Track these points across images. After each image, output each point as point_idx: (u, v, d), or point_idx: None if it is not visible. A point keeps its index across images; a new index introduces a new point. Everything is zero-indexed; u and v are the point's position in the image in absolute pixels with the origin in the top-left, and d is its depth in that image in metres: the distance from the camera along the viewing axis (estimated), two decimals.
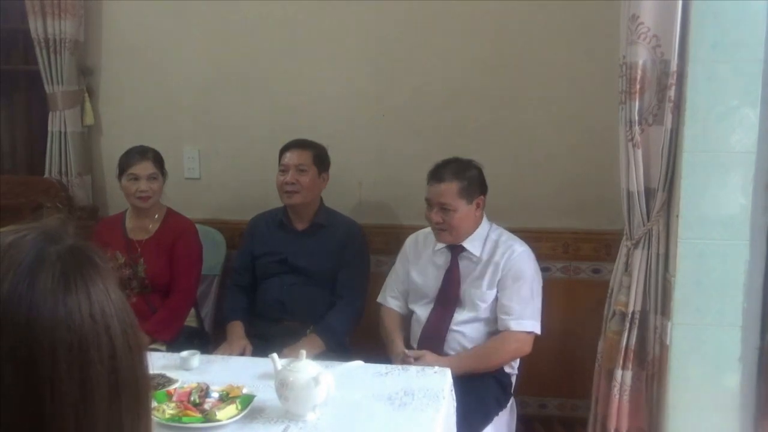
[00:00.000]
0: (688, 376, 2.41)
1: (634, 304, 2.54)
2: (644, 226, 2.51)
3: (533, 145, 3.26)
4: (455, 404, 2.25)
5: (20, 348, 0.64)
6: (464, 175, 2.68)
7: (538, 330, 2.68)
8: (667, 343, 2.43)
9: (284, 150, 3.04)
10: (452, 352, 2.69)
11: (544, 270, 2.89)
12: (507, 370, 2.77)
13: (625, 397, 2.58)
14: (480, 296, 2.70)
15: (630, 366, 2.57)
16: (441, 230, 2.71)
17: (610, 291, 2.67)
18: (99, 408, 0.68)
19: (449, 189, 2.66)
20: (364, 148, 3.37)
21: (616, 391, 2.58)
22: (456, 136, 3.25)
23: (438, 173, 2.69)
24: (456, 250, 2.76)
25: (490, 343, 2.69)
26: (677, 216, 2.37)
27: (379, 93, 3.34)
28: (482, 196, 2.73)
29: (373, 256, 3.15)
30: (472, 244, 2.74)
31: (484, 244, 2.74)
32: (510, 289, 2.67)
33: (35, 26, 3.36)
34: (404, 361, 2.57)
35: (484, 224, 2.77)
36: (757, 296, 2.36)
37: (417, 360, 2.58)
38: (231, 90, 3.45)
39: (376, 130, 3.36)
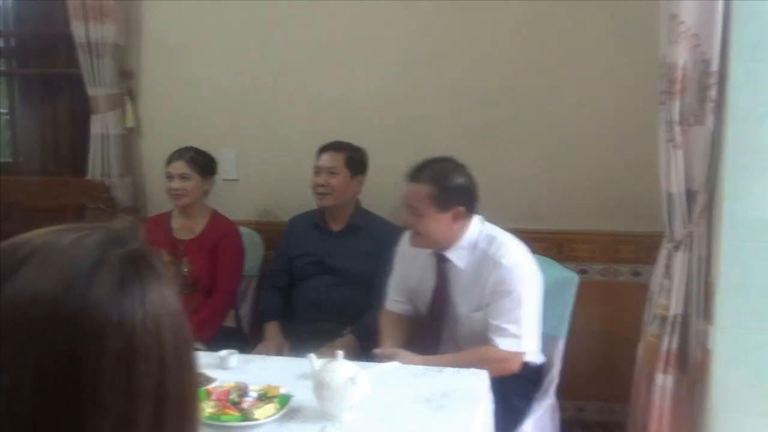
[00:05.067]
0: (731, 381, 2.37)
1: (674, 307, 2.51)
2: (685, 228, 2.47)
3: (570, 146, 3.23)
4: (492, 406, 2.24)
5: (66, 350, 0.62)
6: (443, 182, 2.45)
7: (523, 349, 2.44)
8: (709, 347, 2.39)
9: (320, 152, 3.07)
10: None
11: (581, 273, 2.85)
12: (531, 361, 2.55)
13: (666, 403, 2.54)
14: (467, 312, 2.54)
15: (671, 371, 2.53)
16: (413, 234, 2.53)
17: (650, 294, 2.63)
18: (142, 423, 0.66)
19: (420, 192, 2.45)
20: (400, 148, 3.37)
21: (656, 396, 2.54)
22: (491, 137, 3.24)
23: (415, 172, 2.49)
24: (441, 260, 2.57)
25: (476, 354, 2.44)
26: (719, 218, 2.33)
27: (414, 94, 3.34)
28: (462, 208, 2.47)
29: None
30: (456, 254, 2.52)
31: (470, 255, 2.51)
32: (495, 306, 2.44)
33: (78, 30, 3.43)
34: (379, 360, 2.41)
35: (471, 234, 2.52)
36: None
37: (388, 358, 2.37)
38: (268, 91, 3.48)
39: (411, 130, 3.35)
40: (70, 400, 0.62)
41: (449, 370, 2.33)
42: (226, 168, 3.50)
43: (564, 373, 2.80)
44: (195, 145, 3.16)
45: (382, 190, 3.28)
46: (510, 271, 2.44)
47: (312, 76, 3.43)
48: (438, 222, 2.46)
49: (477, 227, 2.54)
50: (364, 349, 2.77)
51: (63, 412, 0.62)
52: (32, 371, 0.62)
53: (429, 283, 2.62)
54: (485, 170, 2.70)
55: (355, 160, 3.07)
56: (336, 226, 3.10)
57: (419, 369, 2.32)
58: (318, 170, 3.04)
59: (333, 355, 2.07)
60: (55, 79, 3.78)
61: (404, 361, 2.34)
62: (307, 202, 3.19)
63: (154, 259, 0.71)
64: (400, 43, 3.33)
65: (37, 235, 0.69)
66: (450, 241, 2.51)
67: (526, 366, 2.56)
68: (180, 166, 3.06)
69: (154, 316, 0.67)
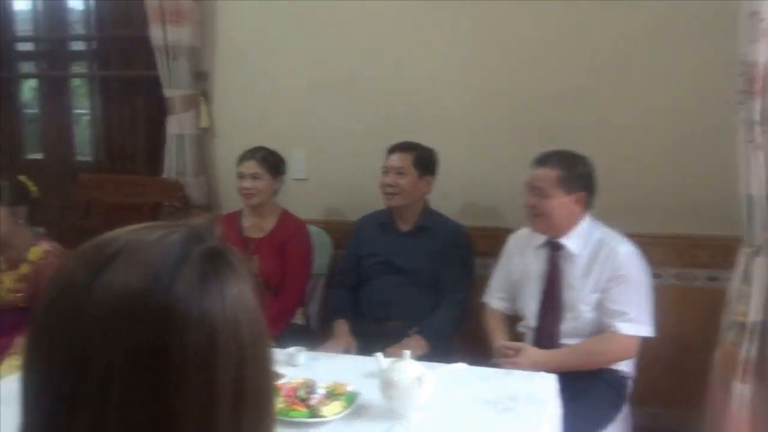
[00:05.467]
0: None
1: (754, 314, 2.42)
2: (765, 232, 2.38)
3: (644, 147, 3.15)
4: (561, 410, 2.20)
5: (152, 343, 0.65)
6: (569, 166, 2.61)
7: (650, 333, 2.54)
8: None
9: (389, 152, 3.09)
10: None
11: (654, 276, 2.78)
12: (622, 370, 2.61)
13: (744, 412, 2.46)
14: (582, 299, 2.59)
15: (749, 379, 2.44)
16: (534, 215, 2.64)
17: (728, 300, 2.55)
18: (221, 414, 0.68)
19: (549, 174, 2.59)
20: (469, 149, 3.36)
21: (734, 405, 2.46)
22: (563, 137, 3.17)
23: (543, 158, 2.64)
24: (555, 248, 2.67)
25: (595, 342, 2.56)
26: None
27: (484, 94, 3.32)
28: (584, 193, 2.62)
29: (477, 258, 3.12)
30: (571, 242, 2.62)
31: (586, 242, 2.62)
32: (616, 291, 2.54)
33: (156, 33, 3.53)
34: (503, 354, 2.54)
35: (587, 222, 2.65)
36: None
37: (517, 352, 2.52)
38: (338, 91, 3.51)
39: (480, 131, 3.33)
40: (156, 392, 0.65)
41: (517, 373, 2.31)
42: (296, 167, 3.54)
43: (637, 379, 2.73)
44: (266, 145, 3.22)
45: (449, 190, 3.28)
46: (628, 257, 2.57)
47: (383, 76, 3.44)
48: (561, 204, 2.59)
49: (588, 217, 2.68)
50: (432, 349, 2.78)
51: (149, 403, 0.65)
52: (122, 363, 0.64)
53: (535, 274, 2.71)
54: None
55: (424, 161, 3.07)
56: (404, 226, 3.11)
57: (487, 371, 2.31)
58: (387, 170, 3.06)
59: (400, 355, 2.07)
60: (134, 81, 3.91)
61: (529, 356, 2.51)
62: (375, 201, 3.21)
63: (233, 255, 0.73)
64: (474, 46, 3.31)
65: (124, 232, 0.71)
66: (568, 226, 2.63)
67: (615, 373, 2.59)
68: (251, 166, 3.12)
69: (233, 312, 0.69)
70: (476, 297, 2.95)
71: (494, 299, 2.86)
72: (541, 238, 2.70)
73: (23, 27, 4.20)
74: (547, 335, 2.64)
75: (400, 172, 3.03)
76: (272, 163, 3.15)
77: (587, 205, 2.64)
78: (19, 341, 2.92)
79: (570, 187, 2.58)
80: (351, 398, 2.05)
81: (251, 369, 0.70)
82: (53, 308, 0.68)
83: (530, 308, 2.71)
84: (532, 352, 2.54)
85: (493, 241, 3.23)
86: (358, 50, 3.45)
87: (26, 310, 3.09)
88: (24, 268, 3.09)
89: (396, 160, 3.05)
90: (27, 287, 3.10)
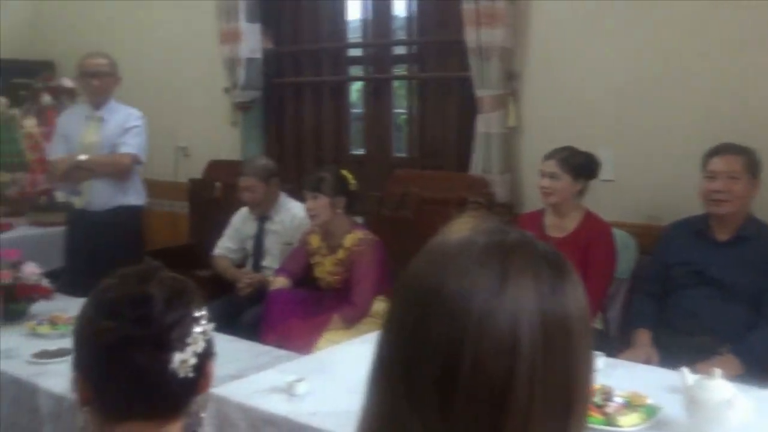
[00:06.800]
0: None
1: None
2: None
3: None
4: None
5: (455, 338, 0.68)
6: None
7: None
8: None
9: (711, 155, 2.85)
10: None
11: None
12: None
13: None
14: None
15: None
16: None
17: None
18: (533, 416, 0.68)
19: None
20: None
21: None
22: None
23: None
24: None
25: None
26: None
27: None
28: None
29: None
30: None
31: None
32: None
33: (470, 36, 3.67)
34: None
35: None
36: None
37: None
38: (649, 91, 3.35)
39: None
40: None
41: None
42: (603, 168, 3.44)
43: None
44: (573, 144, 3.18)
45: None
46: None
47: (700, 75, 3.21)
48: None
49: None
50: (746, 373, 2.53)
51: (428, 397, 0.69)
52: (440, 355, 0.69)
53: None
54: None
55: (753, 164, 2.81)
56: (722, 236, 2.87)
57: None
58: (712, 175, 2.83)
59: (709, 373, 1.93)
60: (448, 82, 4.11)
61: None
62: (687, 207, 3.01)
63: (566, 262, 0.74)
64: None
65: (453, 233, 0.76)
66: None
67: None
68: (551, 165, 3.11)
69: (542, 312, 0.69)
70: None
71: None
72: None
73: (354, 34, 4.64)
74: None
75: (732, 177, 2.79)
76: (573, 164, 3.10)
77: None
78: (335, 319, 3.25)
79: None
80: (651, 411, 1.96)
81: (562, 370, 0.70)
82: (408, 304, 0.73)
83: None
84: None
85: None
86: (669, 48, 3.26)
87: (341, 292, 3.44)
88: (341, 254, 3.44)
89: (725, 164, 2.80)
90: (342, 271, 3.44)
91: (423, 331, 0.69)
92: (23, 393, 2.46)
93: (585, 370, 0.73)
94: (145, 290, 1.10)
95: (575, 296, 0.72)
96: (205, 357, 1.15)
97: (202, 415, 1.20)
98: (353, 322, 3.28)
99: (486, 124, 3.74)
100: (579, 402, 0.72)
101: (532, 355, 0.68)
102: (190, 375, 1.11)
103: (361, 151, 4.62)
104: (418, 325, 0.70)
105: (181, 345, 1.10)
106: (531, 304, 0.69)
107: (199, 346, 1.13)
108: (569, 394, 0.71)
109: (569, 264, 0.74)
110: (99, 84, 3.96)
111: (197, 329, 1.13)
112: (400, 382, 0.70)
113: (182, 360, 1.10)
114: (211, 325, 1.17)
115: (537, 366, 0.68)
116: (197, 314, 1.14)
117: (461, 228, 0.75)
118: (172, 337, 1.10)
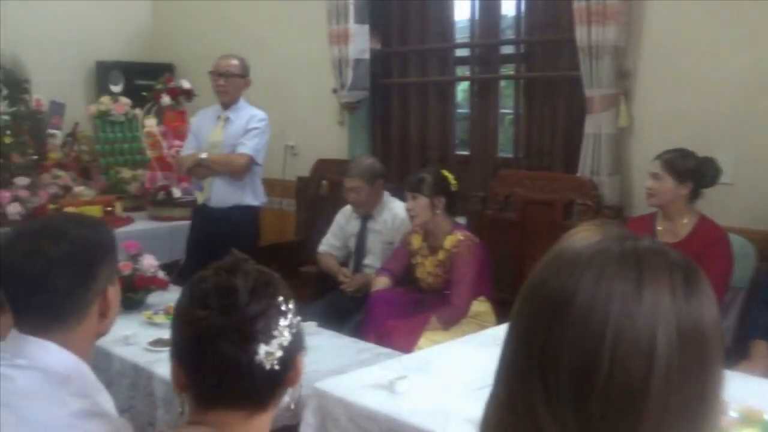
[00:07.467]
0: None
1: None
2: None
3: None
4: None
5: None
6: None
7: None
8: None
9: None
10: None
11: None
12: None
13: None
14: None
15: None
16: None
17: None
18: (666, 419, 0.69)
19: None
20: None
21: None
22: None
23: None
24: None
25: None
26: None
27: None
28: None
29: None
30: None
31: None
32: None
33: (581, 34, 3.59)
34: None
35: None
36: None
37: None
38: None
39: None
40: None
41: None
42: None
43: None
44: (688, 145, 3.05)
45: None
46: None
47: None
48: None
49: None
50: None
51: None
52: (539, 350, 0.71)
53: None
54: None
55: None
56: None
57: None
58: None
59: None
60: (556, 82, 4.04)
61: None
62: None
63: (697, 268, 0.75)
64: None
65: (579, 239, 0.76)
66: None
67: None
68: (655, 166, 3.00)
69: (678, 318, 0.70)
70: None
71: None
72: None
73: (461, 34, 4.63)
74: None
75: None
76: (678, 167, 2.95)
77: None
78: (433, 319, 3.25)
79: None
80: (766, 428, 1.86)
81: (686, 380, 0.70)
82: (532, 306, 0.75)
83: None
84: None
85: None
86: None
87: (442, 293, 3.43)
88: (441, 255, 3.44)
89: None
90: (443, 272, 3.44)
91: (557, 336, 0.70)
92: (140, 378, 2.61)
93: (718, 379, 0.73)
94: (232, 281, 1.13)
95: (708, 304, 0.72)
96: (294, 350, 1.16)
97: (293, 407, 1.21)
98: (451, 323, 3.28)
99: (595, 124, 3.65)
100: (711, 410, 0.72)
101: (668, 360, 0.68)
102: (277, 367, 1.13)
103: (466, 152, 4.60)
104: (551, 330, 0.71)
105: (267, 337, 1.12)
106: (667, 310, 0.69)
107: (286, 339, 1.14)
108: (703, 401, 0.71)
109: (702, 272, 0.74)
110: (224, 84, 4.11)
111: (283, 322, 1.14)
112: (535, 383, 0.71)
113: (268, 352, 1.12)
114: (299, 319, 1.18)
115: (673, 371, 0.68)
116: (283, 307, 1.15)
117: (585, 235, 0.75)
118: (256, 328, 1.11)
